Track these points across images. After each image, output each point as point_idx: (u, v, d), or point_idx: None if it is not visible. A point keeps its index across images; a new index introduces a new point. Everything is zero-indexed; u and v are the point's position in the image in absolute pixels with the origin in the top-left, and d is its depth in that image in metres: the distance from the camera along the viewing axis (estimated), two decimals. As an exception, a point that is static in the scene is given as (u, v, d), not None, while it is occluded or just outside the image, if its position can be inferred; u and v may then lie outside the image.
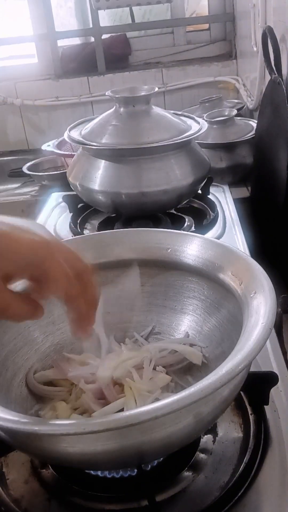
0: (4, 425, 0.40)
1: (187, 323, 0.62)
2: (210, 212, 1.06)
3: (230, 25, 1.82)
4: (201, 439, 0.56)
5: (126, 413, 0.39)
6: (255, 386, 0.55)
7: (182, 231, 0.66)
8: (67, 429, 0.39)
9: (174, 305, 0.63)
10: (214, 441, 0.56)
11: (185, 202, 1.03)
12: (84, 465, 0.48)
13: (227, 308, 0.56)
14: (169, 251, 0.62)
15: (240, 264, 0.55)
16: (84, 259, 0.54)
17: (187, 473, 0.53)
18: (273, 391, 0.57)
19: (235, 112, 1.28)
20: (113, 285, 0.65)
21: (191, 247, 0.61)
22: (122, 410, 0.52)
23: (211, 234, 0.97)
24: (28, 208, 1.41)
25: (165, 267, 0.63)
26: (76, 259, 0.46)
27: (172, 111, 1.04)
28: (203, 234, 0.74)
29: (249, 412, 0.58)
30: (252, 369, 0.52)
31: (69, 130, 1.00)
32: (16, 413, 0.41)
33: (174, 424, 0.42)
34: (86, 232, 1.04)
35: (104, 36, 1.82)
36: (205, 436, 0.56)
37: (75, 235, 1.01)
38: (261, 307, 0.47)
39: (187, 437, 0.47)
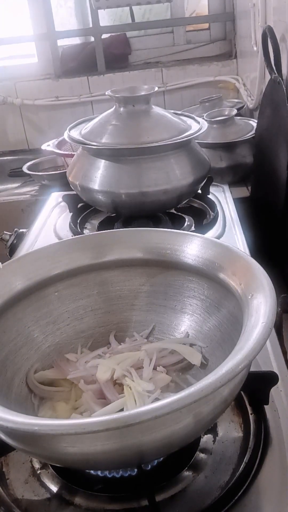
0: (4, 425, 0.40)
1: (187, 323, 0.62)
2: (210, 212, 1.06)
3: (230, 24, 1.82)
4: (201, 439, 0.56)
5: (126, 413, 0.39)
6: (255, 386, 0.55)
7: (182, 231, 0.66)
8: (67, 429, 0.39)
9: (174, 305, 0.63)
10: (214, 441, 0.56)
11: (185, 202, 1.02)
12: (84, 465, 0.48)
13: (227, 308, 0.56)
14: (169, 251, 0.62)
15: (240, 264, 0.55)
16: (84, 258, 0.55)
17: (187, 473, 0.53)
18: (273, 391, 0.57)
19: (235, 111, 1.28)
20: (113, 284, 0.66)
21: (191, 246, 0.61)
22: (122, 410, 0.52)
23: (211, 234, 0.97)
24: (28, 208, 1.41)
25: (165, 267, 0.63)
26: None
27: (172, 111, 1.04)
28: (203, 234, 0.74)
29: (249, 412, 0.58)
30: (252, 369, 0.51)
31: (69, 130, 1.00)
32: (16, 413, 0.41)
33: (174, 424, 0.42)
34: (86, 232, 1.04)
35: (104, 36, 1.82)
36: (205, 436, 0.56)
37: (75, 235, 1.01)
38: (261, 306, 0.47)
39: (187, 437, 0.47)
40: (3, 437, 0.46)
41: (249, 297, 0.50)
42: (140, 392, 0.54)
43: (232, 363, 0.41)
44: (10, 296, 0.59)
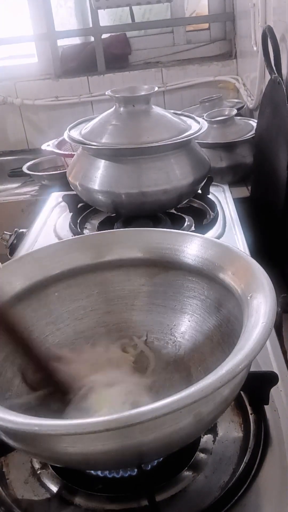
0: (4, 425, 0.40)
1: (187, 323, 0.62)
2: (210, 212, 1.06)
3: (230, 24, 1.82)
4: (201, 439, 0.56)
5: (126, 413, 0.39)
6: (255, 386, 0.55)
7: (182, 231, 0.66)
8: (67, 429, 0.39)
9: (174, 305, 0.63)
10: (214, 441, 0.56)
11: (185, 202, 1.02)
12: (84, 465, 0.48)
13: (227, 308, 0.56)
14: (169, 251, 0.62)
15: (240, 264, 0.55)
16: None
17: (187, 473, 0.53)
18: (273, 391, 0.57)
19: (235, 111, 1.28)
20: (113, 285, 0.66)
21: (191, 246, 0.61)
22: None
23: (211, 234, 0.97)
24: (28, 208, 1.41)
25: (165, 267, 0.63)
26: None
27: (172, 111, 1.04)
28: (203, 234, 0.74)
29: (249, 412, 0.58)
30: (252, 369, 0.51)
31: (69, 130, 1.00)
32: (16, 413, 0.41)
33: (174, 424, 0.42)
34: (86, 232, 1.04)
35: (104, 36, 1.82)
36: (205, 436, 0.56)
37: (75, 235, 1.01)
38: (261, 306, 0.47)
39: (187, 437, 0.47)
40: (3, 437, 0.46)
41: (249, 297, 0.50)
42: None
43: (232, 363, 0.41)
44: (10, 296, 0.59)
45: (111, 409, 0.52)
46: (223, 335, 0.57)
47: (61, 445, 0.42)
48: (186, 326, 0.62)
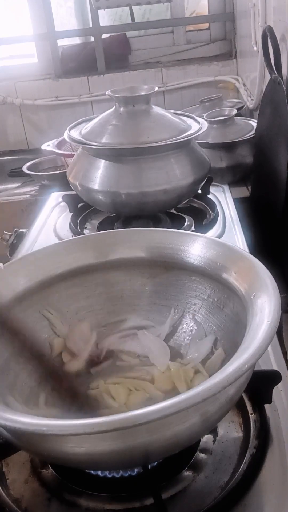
0: (12, 426, 0.39)
1: (189, 323, 0.62)
2: (210, 211, 1.06)
3: (230, 24, 1.82)
4: (201, 439, 0.56)
5: (134, 413, 0.38)
6: (258, 385, 0.55)
7: (185, 231, 0.65)
8: (76, 429, 0.38)
9: (176, 305, 0.63)
10: (214, 441, 0.56)
11: (185, 201, 1.02)
12: (91, 465, 0.48)
13: (230, 308, 0.56)
14: (171, 250, 0.62)
15: (243, 263, 0.55)
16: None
17: (187, 473, 0.53)
18: (273, 390, 0.57)
19: (235, 111, 1.28)
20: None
21: (194, 246, 0.61)
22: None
23: (211, 233, 0.97)
24: (28, 208, 1.41)
25: (167, 267, 0.63)
26: None
27: (172, 111, 1.04)
28: (203, 234, 0.74)
29: (249, 411, 0.58)
30: (253, 368, 0.52)
31: (69, 130, 1.00)
32: (23, 414, 0.41)
33: (181, 423, 0.42)
34: (86, 231, 1.04)
35: (104, 36, 1.82)
36: (205, 436, 0.56)
37: (75, 235, 1.01)
38: (265, 305, 0.47)
39: (193, 437, 0.47)
40: (9, 438, 0.46)
41: (252, 296, 0.50)
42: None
43: (239, 362, 0.41)
44: (12, 296, 0.59)
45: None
46: (225, 334, 0.57)
47: (68, 445, 0.42)
48: (188, 326, 0.62)
